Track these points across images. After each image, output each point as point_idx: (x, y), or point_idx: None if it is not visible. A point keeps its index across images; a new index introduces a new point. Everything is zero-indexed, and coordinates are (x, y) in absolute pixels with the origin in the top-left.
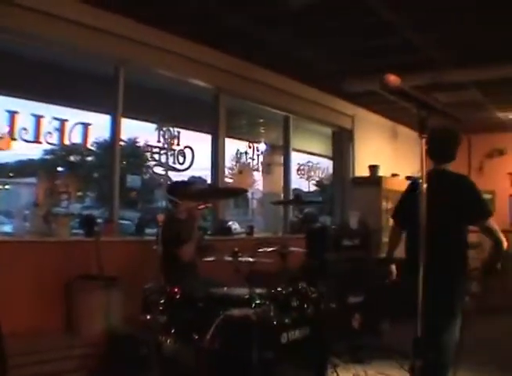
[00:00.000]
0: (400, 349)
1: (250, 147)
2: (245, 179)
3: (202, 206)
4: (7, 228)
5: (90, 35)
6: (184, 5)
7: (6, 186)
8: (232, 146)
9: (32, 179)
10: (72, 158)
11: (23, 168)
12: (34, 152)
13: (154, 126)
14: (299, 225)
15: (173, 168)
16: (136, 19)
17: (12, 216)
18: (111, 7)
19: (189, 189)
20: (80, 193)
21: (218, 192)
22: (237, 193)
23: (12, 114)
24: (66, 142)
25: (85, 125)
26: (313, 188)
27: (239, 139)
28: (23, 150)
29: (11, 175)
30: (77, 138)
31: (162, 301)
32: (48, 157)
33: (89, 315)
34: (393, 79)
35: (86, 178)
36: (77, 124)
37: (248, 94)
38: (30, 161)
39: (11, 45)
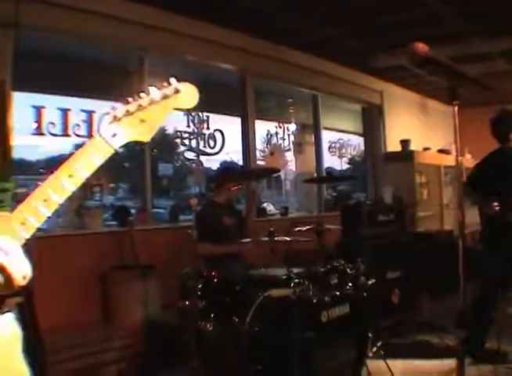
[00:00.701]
0: (440, 323)
1: (280, 128)
2: (277, 160)
3: (235, 187)
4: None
5: (111, 24)
6: None
7: (38, 183)
8: (262, 128)
9: None
10: None
11: (53, 164)
12: (64, 147)
13: (182, 112)
14: (333, 203)
15: (204, 152)
16: (158, 5)
17: None
18: None
19: (229, 173)
20: (112, 185)
21: (252, 173)
22: (269, 173)
23: (39, 109)
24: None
25: None
26: (345, 166)
27: (269, 120)
28: (52, 146)
29: (42, 171)
30: None
31: (200, 286)
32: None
33: (127, 305)
34: (421, 47)
35: (118, 170)
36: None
37: (275, 74)
38: (60, 157)
39: (32, 40)
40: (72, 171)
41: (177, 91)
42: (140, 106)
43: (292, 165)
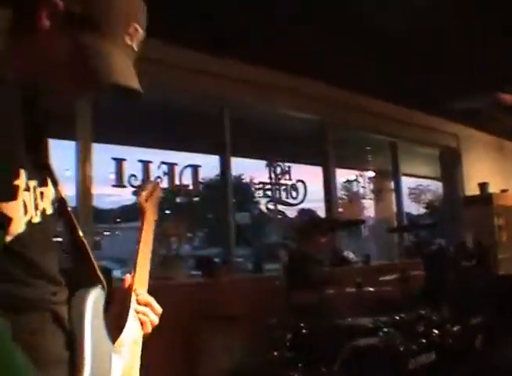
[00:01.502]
0: None
1: (359, 176)
2: (355, 208)
3: (324, 239)
4: (117, 273)
5: (192, 76)
6: (281, 41)
7: (116, 232)
8: (341, 176)
9: (138, 224)
10: (179, 200)
11: (128, 213)
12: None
13: (260, 162)
14: (414, 250)
15: (286, 202)
16: (236, 58)
17: (120, 261)
18: (209, 49)
19: (315, 225)
20: (189, 235)
21: (337, 224)
22: (354, 224)
23: (120, 162)
24: (177, 185)
25: (195, 167)
26: (423, 210)
27: (348, 168)
28: (127, 195)
29: (118, 220)
30: (186, 180)
31: (288, 337)
32: None
33: (212, 356)
34: (509, 98)
35: (195, 219)
36: (186, 166)
37: (354, 123)
38: (135, 206)
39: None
40: None
41: None
42: None
43: (371, 212)
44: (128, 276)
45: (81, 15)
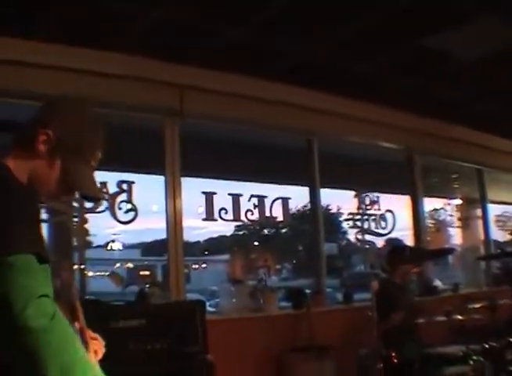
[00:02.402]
0: None
1: (446, 204)
2: (442, 236)
3: (416, 269)
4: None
5: (280, 110)
6: (367, 74)
7: (203, 265)
8: (428, 204)
9: (225, 256)
10: (266, 231)
11: (214, 246)
12: (225, 228)
13: (349, 192)
14: (503, 277)
15: (376, 232)
16: (323, 90)
17: (208, 293)
18: (296, 82)
19: (406, 254)
20: (278, 266)
21: (429, 254)
22: (444, 254)
23: (210, 195)
24: (267, 217)
25: (285, 200)
26: (509, 237)
27: (435, 196)
28: (214, 228)
29: (206, 253)
30: (276, 212)
31: (379, 366)
32: (241, 232)
33: None
34: None
35: (282, 250)
36: (276, 199)
37: (440, 151)
38: (222, 238)
39: (202, 129)
40: None
41: None
42: None
43: (457, 240)
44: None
45: (66, 143)
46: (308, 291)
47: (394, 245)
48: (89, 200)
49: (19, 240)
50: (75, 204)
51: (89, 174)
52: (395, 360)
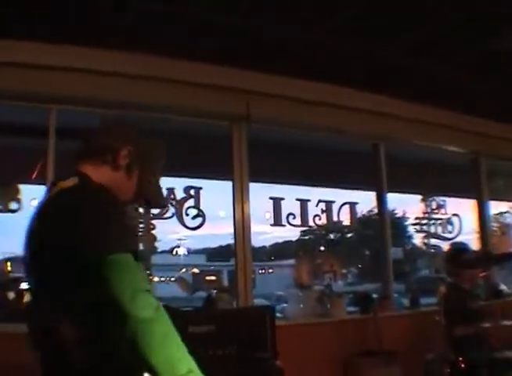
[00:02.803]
0: None
1: (511, 207)
2: (507, 240)
3: (483, 273)
4: None
5: (347, 115)
6: (432, 78)
7: (269, 270)
8: (493, 207)
9: (290, 261)
10: (331, 236)
11: (280, 251)
12: (291, 234)
13: (412, 196)
14: None
15: (443, 237)
16: (390, 95)
17: (274, 298)
18: (362, 86)
19: (472, 258)
20: (344, 271)
21: (495, 258)
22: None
23: (278, 201)
24: (334, 222)
25: (353, 204)
26: None
27: (499, 199)
28: (278, 233)
29: (272, 258)
30: (344, 217)
31: (447, 371)
32: (306, 237)
33: None
34: None
35: (348, 255)
36: (344, 204)
37: (506, 154)
38: (288, 243)
39: (269, 134)
40: None
41: None
42: None
43: None
44: None
45: (142, 157)
46: (374, 295)
47: (459, 249)
48: (155, 208)
49: (119, 241)
50: (141, 210)
51: (158, 184)
52: (462, 365)
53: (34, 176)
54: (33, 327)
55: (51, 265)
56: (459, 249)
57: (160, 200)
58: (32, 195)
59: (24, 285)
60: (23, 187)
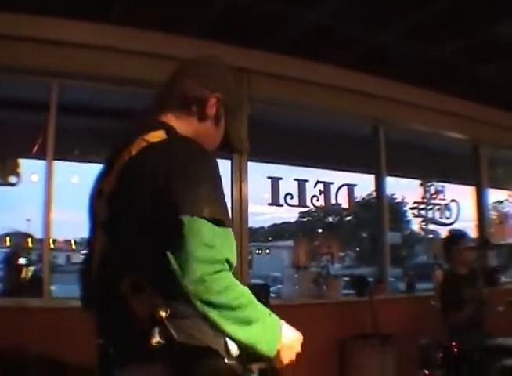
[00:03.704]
0: None
1: (510, 196)
2: (505, 228)
3: (475, 256)
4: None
5: (347, 97)
6: (435, 64)
7: (267, 251)
8: (492, 196)
9: (288, 242)
10: (330, 219)
11: (278, 232)
12: (289, 215)
13: (411, 181)
14: None
15: (440, 222)
16: (391, 78)
17: (270, 279)
18: (364, 69)
19: (466, 241)
20: (342, 254)
21: (492, 245)
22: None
23: (276, 181)
24: (332, 204)
25: (351, 187)
26: None
27: (498, 188)
28: (277, 214)
29: (270, 239)
30: (341, 199)
31: (440, 356)
32: (305, 219)
33: (365, 373)
34: None
35: (346, 238)
36: (342, 186)
37: (506, 143)
38: (286, 225)
39: (269, 114)
40: None
41: None
42: None
43: None
44: None
45: (228, 105)
46: (370, 279)
47: (457, 234)
48: (241, 153)
49: (224, 209)
50: None
51: (242, 129)
52: (456, 350)
53: (34, 151)
54: (94, 302)
55: (136, 231)
56: (457, 235)
57: (245, 145)
58: (32, 169)
59: (22, 260)
60: (22, 161)
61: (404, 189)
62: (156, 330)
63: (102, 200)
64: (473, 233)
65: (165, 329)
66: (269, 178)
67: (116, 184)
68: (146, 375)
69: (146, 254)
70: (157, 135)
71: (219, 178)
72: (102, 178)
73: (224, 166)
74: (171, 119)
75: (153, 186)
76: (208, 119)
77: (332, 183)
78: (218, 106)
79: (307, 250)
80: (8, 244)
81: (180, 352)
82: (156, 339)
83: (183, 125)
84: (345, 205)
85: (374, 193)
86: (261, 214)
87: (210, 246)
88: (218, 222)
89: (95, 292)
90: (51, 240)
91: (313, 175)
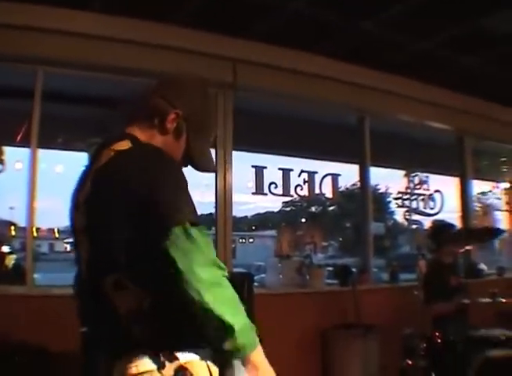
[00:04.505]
0: None
1: (494, 187)
2: (489, 220)
3: (463, 249)
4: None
5: (332, 87)
6: (421, 53)
7: (250, 240)
8: (476, 187)
9: (271, 232)
10: (314, 209)
11: (261, 221)
12: (272, 205)
13: (395, 172)
14: None
15: (424, 212)
16: (376, 68)
17: (253, 268)
18: (350, 59)
19: (454, 232)
20: (325, 243)
21: (477, 233)
22: (493, 235)
23: (260, 170)
24: (316, 193)
25: (335, 176)
26: None
27: (482, 179)
28: (260, 203)
29: (253, 228)
30: (325, 189)
31: (423, 346)
32: (288, 209)
33: (347, 363)
34: None
35: (329, 228)
36: (326, 175)
37: (491, 134)
38: (269, 214)
39: (254, 103)
40: None
41: None
42: None
43: (505, 224)
44: None
45: (191, 121)
46: (353, 269)
47: (442, 225)
48: (203, 172)
49: (191, 211)
50: None
51: (208, 149)
52: (439, 340)
53: (18, 138)
54: (83, 294)
55: (111, 233)
56: (442, 225)
57: (208, 165)
58: (16, 157)
59: (5, 248)
60: (6, 149)
61: (388, 180)
62: (138, 323)
63: (79, 209)
64: (457, 224)
65: (147, 322)
66: (253, 167)
67: (89, 193)
68: (128, 365)
69: (128, 255)
70: (123, 145)
71: (184, 177)
72: (78, 189)
73: None
74: (136, 130)
75: (126, 191)
76: (168, 133)
77: (316, 173)
78: (178, 121)
79: (290, 239)
80: None
81: (162, 343)
82: (138, 332)
83: (146, 137)
84: (329, 195)
85: (358, 183)
86: (245, 203)
87: (202, 251)
88: (196, 224)
89: (84, 288)
90: (34, 229)
91: (297, 165)
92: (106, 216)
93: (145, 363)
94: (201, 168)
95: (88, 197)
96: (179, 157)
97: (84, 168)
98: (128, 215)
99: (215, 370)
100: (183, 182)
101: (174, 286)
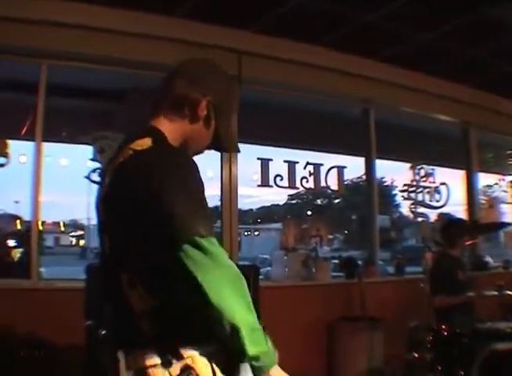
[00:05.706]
0: None
1: (500, 180)
2: (494, 213)
3: (470, 242)
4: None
5: (337, 79)
6: (421, 43)
7: (255, 233)
8: (482, 180)
9: (276, 225)
10: (319, 201)
11: (267, 214)
12: (278, 197)
13: (401, 164)
14: None
15: (430, 205)
16: (382, 60)
17: (258, 261)
18: (356, 51)
19: (465, 226)
20: (330, 236)
21: (486, 227)
22: (499, 228)
23: (265, 162)
24: (321, 186)
25: (340, 169)
26: None
27: (488, 172)
28: (266, 196)
29: (259, 221)
30: (331, 181)
31: (429, 339)
32: (294, 202)
33: (353, 356)
34: None
35: (335, 221)
36: (332, 168)
37: (497, 126)
38: (275, 207)
39: (259, 95)
40: None
41: None
42: None
43: (510, 217)
44: None
45: (219, 106)
46: (359, 262)
47: (452, 219)
48: (230, 153)
49: (205, 224)
50: None
51: (233, 130)
52: (445, 333)
53: (23, 132)
54: (101, 288)
55: (125, 236)
56: (452, 220)
57: (235, 146)
58: (21, 151)
59: (11, 242)
60: (11, 142)
61: (394, 173)
62: (148, 321)
63: (101, 205)
64: (462, 216)
65: (156, 321)
66: (259, 159)
67: (108, 189)
68: (136, 360)
69: (138, 254)
70: (143, 143)
71: (202, 185)
72: (101, 184)
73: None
74: (164, 122)
75: (137, 196)
76: (199, 121)
77: (322, 165)
78: (208, 108)
79: (296, 232)
80: None
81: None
82: (148, 330)
83: (175, 126)
84: (335, 187)
85: (364, 176)
86: (250, 196)
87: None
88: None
89: (104, 282)
90: (39, 222)
91: (303, 157)
92: (119, 216)
93: (153, 360)
94: (230, 150)
95: (106, 195)
96: (206, 143)
97: (106, 162)
98: (139, 219)
99: (218, 370)
100: (198, 191)
101: (185, 292)
